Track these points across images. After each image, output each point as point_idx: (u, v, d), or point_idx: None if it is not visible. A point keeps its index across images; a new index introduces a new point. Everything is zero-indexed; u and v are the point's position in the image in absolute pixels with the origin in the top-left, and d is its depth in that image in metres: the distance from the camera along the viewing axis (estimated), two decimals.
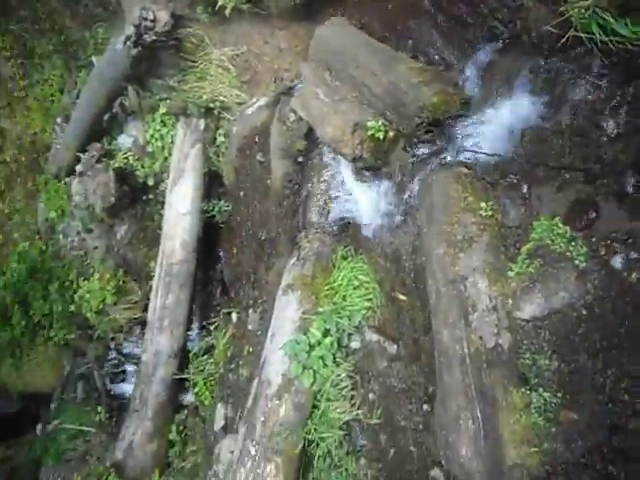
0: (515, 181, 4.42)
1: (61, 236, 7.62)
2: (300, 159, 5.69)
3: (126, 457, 5.82)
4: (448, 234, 4.28)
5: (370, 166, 5.13)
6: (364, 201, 5.30)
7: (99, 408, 6.77)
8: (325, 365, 4.58)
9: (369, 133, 4.85)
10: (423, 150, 4.92)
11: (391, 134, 4.90)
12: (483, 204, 4.31)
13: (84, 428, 6.65)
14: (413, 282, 4.72)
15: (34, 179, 8.41)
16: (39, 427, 8.53)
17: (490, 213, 4.30)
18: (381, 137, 4.85)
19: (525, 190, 4.35)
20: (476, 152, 4.66)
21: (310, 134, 5.55)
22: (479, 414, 3.66)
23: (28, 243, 7.87)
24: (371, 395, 4.60)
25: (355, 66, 5.05)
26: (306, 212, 5.55)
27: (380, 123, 4.84)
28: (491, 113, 4.70)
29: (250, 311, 5.75)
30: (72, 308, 6.85)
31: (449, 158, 4.81)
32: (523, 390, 3.73)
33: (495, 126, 4.64)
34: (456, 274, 4.10)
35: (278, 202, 5.79)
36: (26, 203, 8.50)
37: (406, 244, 4.86)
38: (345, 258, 5.10)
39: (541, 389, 3.69)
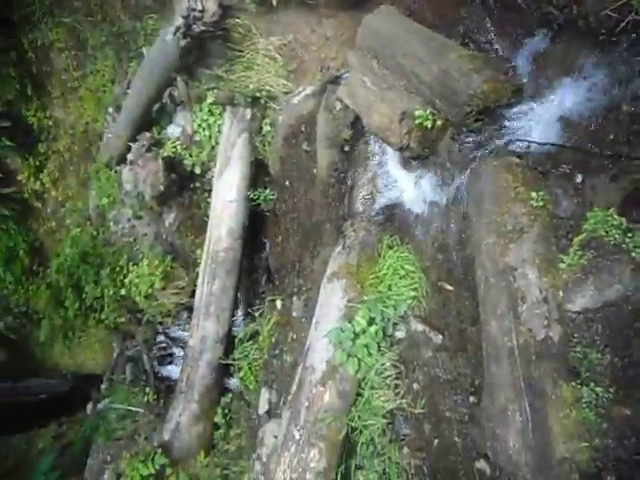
0: (568, 170, 4.31)
1: (112, 223, 7.87)
2: (346, 148, 5.70)
3: (173, 438, 6.02)
4: (498, 224, 4.21)
5: (417, 155, 5.09)
6: (410, 190, 5.27)
7: (147, 390, 7.03)
8: (370, 354, 4.60)
9: (417, 122, 4.81)
10: (472, 139, 4.84)
11: (439, 123, 4.85)
12: (534, 194, 4.22)
13: (133, 408, 6.90)
14: (460, 272, 4.67)
15: (86, 167, 8.67)
16: (90, 407, 8.91)
17: (541, 203, 4.20)
18: (429, 126, 4.80)
19: (578, 180, 4.23)
20: (527, 141, 4.56)
21: (356, 123, 5.56)
22: (527, 407, 3.61)
23: (80, 229, 8.17)
24: (415, 385, 4.60)
25: (403, 54, 4.99)
26: (352, 201, 5.56)
27: (428, 112, 4.80)
28: (544, 101, 4.58)
29: (294, 299, 5.82)
30: (122, 292, 7.10)
31: (499, 147, 4.71)
32: (574, 384, 3.66)
33: (548, 114, 4.52)
34: (506, 265, 4.04)
35: (324, 191, 5.82)
36: (78, 191, 8.79)
37: (454, 234, 4.81)
38: (391, 247, 5.09)
39: (593, 383, 3.61)
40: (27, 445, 9.37)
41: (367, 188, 5.53)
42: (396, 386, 4.58)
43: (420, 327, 4.72)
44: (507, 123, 4.73)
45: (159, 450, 5.74)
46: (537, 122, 4.57)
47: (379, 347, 4.66)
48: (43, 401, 10.57)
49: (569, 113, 4.40)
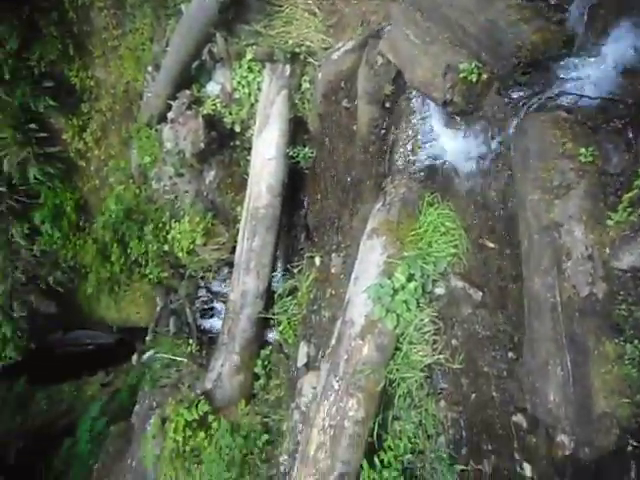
0: (620, 126, 4.16)
1: (153, 181, 8.03)
2: (387, 104, 5.62)
3: (215, 387, 6.28)
4: (544, 180, 4.14)
5: (461, 111, 4.98)
6: (453, 147, 5.18)
7: (190, 341, 7.32)
8: (408, 309, 4.65)
9: (461, 76, 4.69)
10: (519, 93, 4.71)
11: (485, 76, 4.71)
12: (583, 150, 4.11)
13: (177, 358, 7.21)
14: (503, 229, 4.63)
15: (127, 127, 8.80)
16: (134, 357, 9.34)
17: (590, 159, 4.09)
18: (474, 80, 4.68)
19: (630, 135, 4.09)
20: (577, 95, 4.40)
21: (398, 78, 5.46)
22: (569, 362, 3.62)
23: (123, 187, 8.37)
24: (454, 341, 4.64)
25: (449, 5, 4.85)
26: (392, 158, 5.52)
27: (473, 65, 4.66)
28: (596, 53, 4.39)
29: (333, 255, 5.88)
30: (165, 248, 7.32)
31: (547, 101, 4.57)
32: (617, 341, 3.64)
33: (599, 67, 4.35)
34: (551, 221, 3.98)
35: (364, 148, 5.78)
36: (120, 150, 8.96)
37: (497, 191, 4.74)
38: (431, 204, 5.05)
39: (636, 341, 3.59)
40: (77, 392, 9.93)
41: (408, 145, 5.46)
42: (434, 342, 4.63)
43: (460, 284, 4.73)
44: (556, 76, 4.57)
45: (202, 398, 6.00)
46: (588, 75, 4.40)
47: (418, 303, 4.70)
48: (90, 352, 11.16)
49: (623, 65, 4.22)
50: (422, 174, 5.34)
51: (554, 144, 4.23)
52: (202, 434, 5.77)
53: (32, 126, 8.73)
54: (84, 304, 9.86)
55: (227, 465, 5.51)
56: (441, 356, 4.56)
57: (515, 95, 4.69)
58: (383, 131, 5.70)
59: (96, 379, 10.08)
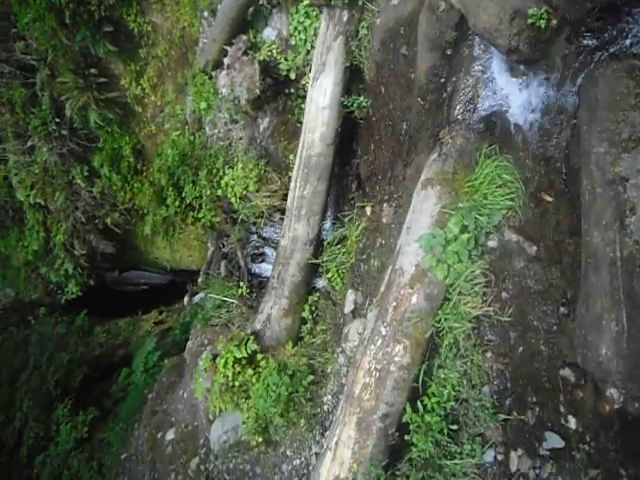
0: None
1: (208, 127, 8.13)
2: (449, 51, 5.43)
3: (264, 328, 6.52)
4: (612, 133, 3.98)
5: (526, 59, 4.78)
6: (515, 97, 5.01)
7: (241, 284, 7.55)
8: (460, 260, 4.64)
9: (529, 21, 4.46)
10: (591, 41, 4.49)
11: (554, 22, 4.47)
12: None
13: (227, 299, 7.47)
14: (562, 183, 4.52)
15: (183, 73, 8.87)
16: (186, 299, 9.77)
17: None
18: (543, 26, 4.44)
19: None
20: None
21: (461, 24, 5.23)
22: (625, 317, 3.57)
23: (179, 133, 8.52)
24: (504, 294, 4.63)
25: None
26: (451, 108, 5.38)
27: (543, 10, 4.42)
28: None
29: (385, 205, 5.89)
30: (218, 193, 7.47)
31: (621, 50, 4.34)
32: None
33: None
34: (616, 175, 3.85)
35: (421, 97, 5.65)
36: (176, 96, 9.06)
37: (558, 144, 4.61)
38: (489, 156, 4.94)
39: None
40: (133, 327, 10.53)
41: (468, 94, 5.31)
42: (484, 294, 4.63)
43: (514, 237, 4.67)
44: (633, 22, 4.31)
45: (251, 337, 6.25)
46: None
47: (470, 255, 4.68)
48: (145, 291, 11.73)
49: None
50: (481, 125, 5.21)
51: (626, 95, 4.05)
52: (250, 371, 6.04)
53: (92, 71, 8.93)
54: (140, 245, 10.31)
55: (273, 401, 5.75)
56: (490, 308, 4.58)
57: (586, 42, 4.47)
58: (442, 80, 5.53)
59: (150, 317, 10.65)
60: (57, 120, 9.12)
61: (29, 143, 9.43)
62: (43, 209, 9.93)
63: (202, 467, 6.58)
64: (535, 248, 4.56)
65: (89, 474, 7.89)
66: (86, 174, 9.44)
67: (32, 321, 10.43)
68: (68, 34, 8.50)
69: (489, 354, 4.62)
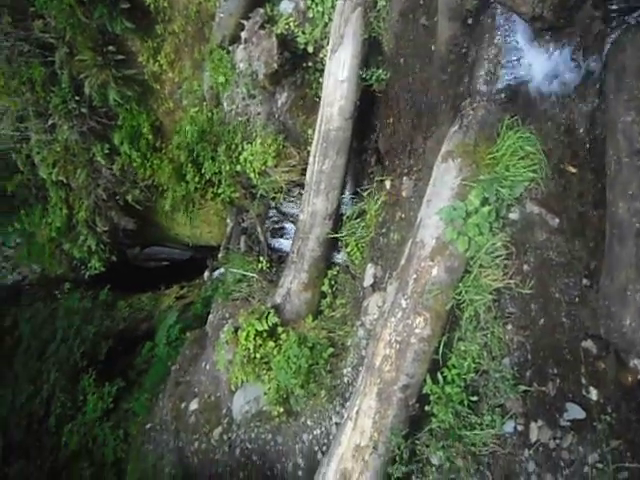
0: None
1: (225, 103, 8.11)
2: (470, 21, 5.31)
3: (284, 301, 6.61)
4: None
5: (550, 26, 4.66)
6: (539, 67, 4.89)
7: (260, 259, 7.64)
8: (481, 233, 4.62)
9: None
10: (618, 5, 4.35)
11: None
12: None
13: (248, 274, 7.57)
14: (586, 154, 4.44)
15: (200, 49, 8.83)
16: (206, 274, 9.92)
17: None
18: None
19: None
20: None
21: None
22: None
23: (197, 109, 8.52)
24: (526, 266, 4.61)
25: None
26: (472, 78, 5.28)
27: None
28: None
29: (404, 179, 5.86)
30: (237, 169, 7.50)
31: None
32: None
33: None
34: None
35: (441, 68, 5.56)
36: (193, 72, 9.04)
37: (584, 114, 4.52)
38: (511, 127, 4.87)
39: None
40: (155, 302, 10.74)
41: (490, 64, 5.19)
42: (505, 266, 4.61)
43: (536, 209, 4.63)
44: None
45: (272, 310, 6.35)
46: None
47: (491, 227, 4.65)
48: (166, 267, 11.94)
49: None
50: (503, 95, 5.10)
51: None
52: (271, 343, 6.14)
53: (110, 48, 8.94)
54: (160, 222, 10.44)
55: (294, 373, 5.86)
56: (511, 281, 4.57)
57: (615, 7, 4.34)
58: (463, 50, 5.43)
59: (171, 291, 10.85)
60: (77, 98, 9.19)
61: (50, 121, 9.54)
62: (65, 186, 10.08)
63: (225, 436, 6.76)
64: (557, 220, 4.52)
65: (115, 442, 8.18)
66: (106, 152, 9.54)
67: (58, 296, 10.72)
68: (85, 12, 8.51)
69: (510, 326, 4.62)
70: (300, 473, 6.06)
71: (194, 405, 7.30)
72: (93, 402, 8.66)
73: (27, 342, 9.95)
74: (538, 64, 4.90)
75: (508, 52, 5.12)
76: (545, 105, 4.82)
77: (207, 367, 7.41)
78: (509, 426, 4.41)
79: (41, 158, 9.83)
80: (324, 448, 5.86)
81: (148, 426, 7.93)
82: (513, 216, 4.72)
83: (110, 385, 8.79)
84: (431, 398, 4.59)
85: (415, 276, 4.74)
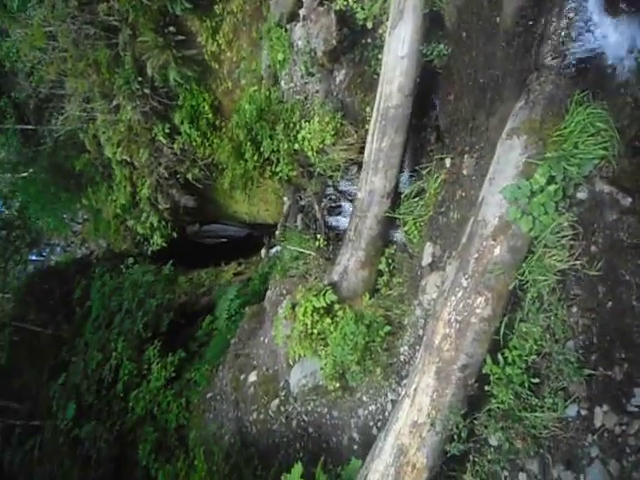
0: None
1: (283, 82, 8.16)
2: None
3: (341, 279, 6.68)
4: None
5: None
6: (613, 38, 4.66)
7: (318, 237, 7.73)
8: (546, 212, 4.49)
9: None
10: None
11: None
12: None
13: (305, 251, 7.68)
14: None
15: (258, 28, 8.88)
16: (264, 251, 10.15)
17: None
18: None
19: None
20: None
21: None
22: None
23: (255, 88, 8.61)
24: (593, 247, 4.45)
25: None
26: (540, 52, 5.08)
27: None
28: None
29: (465, 157, 5.74)
30: (295, 147, 7.56)
31: None
32: None
33: None
34: None
35: (507, 42, 5.38)
36: (251, 51, 9.13)
37: None
38: (581, 103, 4.66)
39: None
40: (215, 278, 11.11)
41: (559, 37, 4.98)
42: (572, 247, 4.48)
43: (606, 188, 4.44)
44: None
45: (329, 288, 6.43)
46: None
47: (557, 207, 4.52)
48: (223, 244, 12.29)
49: None
50: (573, 69, 4.90)
51: None
52: (328, 320, 6.25)
53: (170, 29, 9.15)
54: (219, 199, 10.72)
55: (351, 349, 5.95)
56: (578, 262, 4.43)
57: None
58: (531, 22, 5.22)
59: (229, 268, 11.18)
60: (139, 79, 9.50)
61: (114, 102, 9.92)
62: (129, 165, 10.52)
63: (282, 408, 6.98)
64: (630, 199, 4.32)
65: (178, 410, 8.60)
66: (167, 131, 9.85)
67: (123, 270, 11.27)
68: None
69: (575, 309, 4.50)
70: (355, 447, 6.19)
71: (253, 377, 7.56)
72: (157, 371, 9.13)
73: (96, 313, 10.56)
74: (612, 36, 4.67)
75: (580, 24, 4.89)
76: (618, 79, 4.59)
77: (265, 341, 7.63)
78: (572, 410, 4.33)
79: (106, 138, 10.26)
80: (379, 424, 5.96)
81: (209, 395, 8.29)
82: (581, 195, 4.55)
83: (173, 355, 9.23)
84: (491, 378, 4.58)
85: (476, 255, 4.68)
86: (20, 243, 13.50)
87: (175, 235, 10.84)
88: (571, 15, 4.94)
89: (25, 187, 12.21)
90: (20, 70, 10.92)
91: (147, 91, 9.61)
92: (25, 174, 12.15)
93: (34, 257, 15.13)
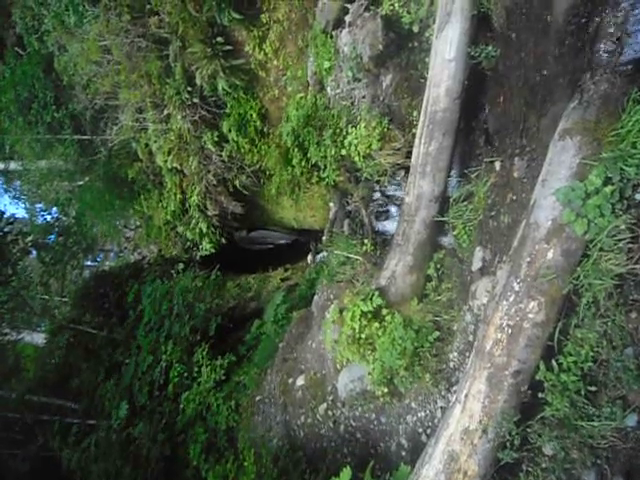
0: None
1: (329, 88, 8.23)
2: None
3: (389, 284, 6.65)
4: None
5: None
6: None
7: (365, 241, 7.75)
8: (602, 215, 4.35)
9: None
10: None
11: None
12: None
13: (352, 256, 7.70)
14: None
15: (304, 35, 9.00)
16: (310, 257, 10.25)
17: None
18: None
19: None
20: None
21: None
22: None
23: (302, 95, 8.73)
24: None
25: None
26: (593, 50, 4.94)
27: None
28: None
29: (516, 159, 5.63)
30: (342, 152, 7.61)
31: None
32: None
33: None
34: None
35: (559, 41, 5.26)
36: (297, 59, 9.25)
37: None
38: (639, 102, 4.51)
39: None
40: (262, 283, 11.29)
41: (614, 34, 4.83)
42: (630, 250, 4.31)
43: None
44: None
45: (377, 292, 6.42)
46: None
47: (613, 209, 4.36)
48: (270, 250, 12.47)
49: None
50: (629, 67, 4.74)
51: None
52: (376, 324, 6.23)
53: (218, 39, 9.38)
54: (266, 205, 10.90)
55: (399, 354, 5.91)
56: (637, 266, 4.27)
57: None
58: (584, 20, 5.08)
59: (276, 273, 11.34)
60: (189, 89, 9.79)
61: (165, 112, 10.26)
62: (179, 173, 10.85)
63: (330, 412, 7.00)
64: None
65: (227, 412, 8.76)
66: (216, 139, 10.10)
67: (174, 275, 11.60)
68: (196, 6, 9.01)
69: (634, 314, 4.34)
70: (403, 453, 6.14)
71: (300, 381, 7.62)
72: (207, 373, 9.34)
73: (148, 316, 10.90)
74: None
75: (636, 19, 4.74)
76: None
77: (313, 345, 7.68)
78: (631, 420, 4.17)
79: (158, 147, 10.61)
80: (428, 431, 5.90)
81: (257, 398, 8.40)
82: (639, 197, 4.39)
83: (222, 358, 9.43)
84: (545, 385, 4.46)
85: (529, 259, 4.59)
86: (77, 249, 14.06)
87: (223, 241, 11.09)
88: (627, 10, 4.79)
89: (81, 195, 12.78)
90: (77, 83, 11.43)
91: (196, 100, 9.90)
92: (81, 182, 12.73)
93: (89, 262, 15.79)
